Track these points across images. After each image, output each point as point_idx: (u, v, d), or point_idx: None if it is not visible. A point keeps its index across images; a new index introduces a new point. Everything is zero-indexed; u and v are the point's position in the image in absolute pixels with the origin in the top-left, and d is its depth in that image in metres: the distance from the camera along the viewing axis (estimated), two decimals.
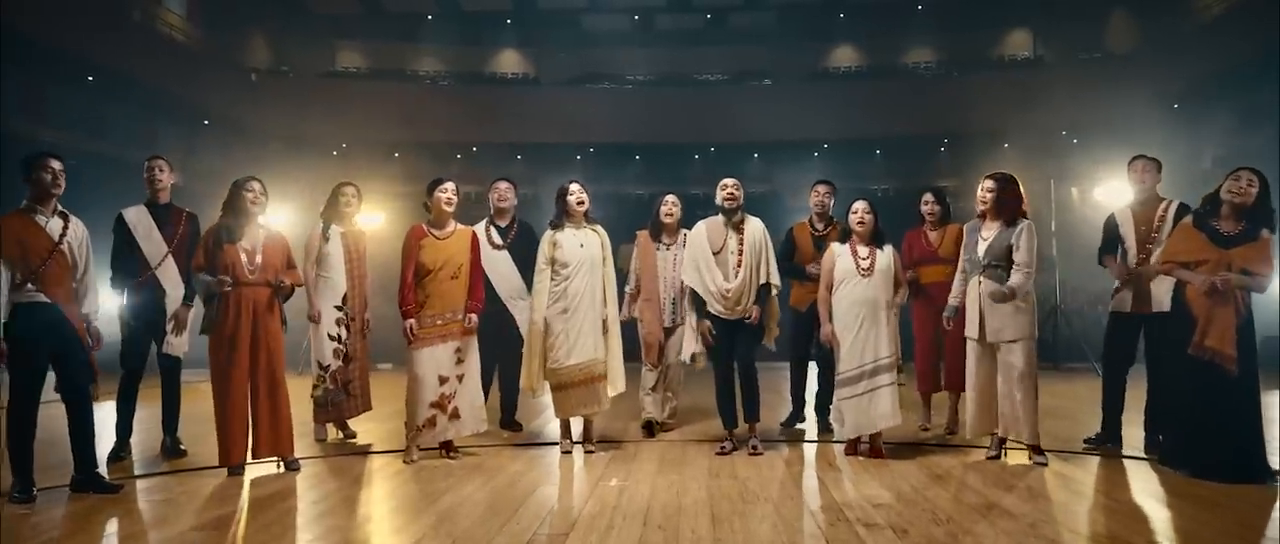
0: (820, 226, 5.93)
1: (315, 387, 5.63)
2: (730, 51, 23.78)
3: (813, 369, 6.07)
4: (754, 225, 5.17)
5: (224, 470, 4.61)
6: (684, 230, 5.82)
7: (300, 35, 22.95)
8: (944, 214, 5.84)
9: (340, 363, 5.63)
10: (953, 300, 5.01)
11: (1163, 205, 5.20)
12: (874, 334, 4.92)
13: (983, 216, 4.90)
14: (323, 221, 5.73)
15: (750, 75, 23.61)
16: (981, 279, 4.76)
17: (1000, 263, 4.72)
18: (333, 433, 5.81)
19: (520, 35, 24.18)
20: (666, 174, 21.07)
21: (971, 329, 4.80)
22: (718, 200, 5.17)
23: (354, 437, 5.80)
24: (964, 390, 5.67)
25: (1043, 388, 4.85)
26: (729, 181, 5.19)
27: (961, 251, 4.96)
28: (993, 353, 4.77)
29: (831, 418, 5.19)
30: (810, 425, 6.10)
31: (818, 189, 5.99)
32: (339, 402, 5.63)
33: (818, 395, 6.03)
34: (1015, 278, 4.64)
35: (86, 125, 18.03)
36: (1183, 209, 5.14)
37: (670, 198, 5.94)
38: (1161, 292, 5.09)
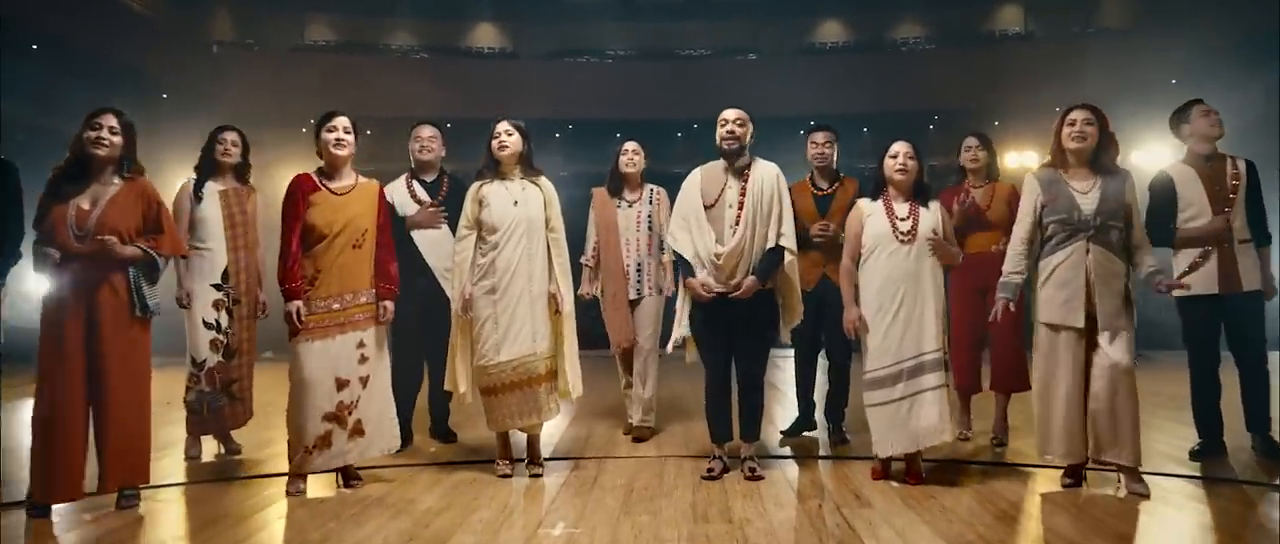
0: (824, 185, 4.54)
1: (188, 389, 4.23)
2: (714, 25, 22.39)
3: (821, 362, 4.71)
4: (764, 171, 3.76)
5: (25, 510, 3.23)
6: (650, 186, 4.61)
7: (266, 6, 21.32)
8: (987, 162, 4.48)
9: (220, 357, 4.21)
10: (1013, 276, 3.58)
11: (1231, 161, 4.03)
12: (917, 320, 3.54)
13: (1061, 165, 3.52)
14: (194, 177, 4.32)
15: (735, 50, 22.25)
16: (1091, 246, 3.38)
17: (1115, 222, 3.38)
18: (212, 447, 4.40)
19: (497, 8, 22.65)
20: (649, 151, 19.24)
21: (1071, 314, 3.39)
22: (717, 140, 3.79)
23: (237, 452, 4.38)
24: (1016, 391, 4.38)
25: None
26: (731, 114, 3.77)
27: (1036, 209, 3.53)
28: (1086, 347, 3.41)
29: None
30: (817, 433, 4.76)
31: (815, 138, 4.56)
32: (218, 407, 4.22)
33: (829, 396, 4.65)
34: (1149, 257, 3.42)
35: (35, 98, 16.52)
36: (1253, 167, 4.02)
37: (630, 144, 4.66)
38: (1249, 265, 3.95)
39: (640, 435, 4.59)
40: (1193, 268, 4.01)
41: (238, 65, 20.31)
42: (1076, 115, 3.44)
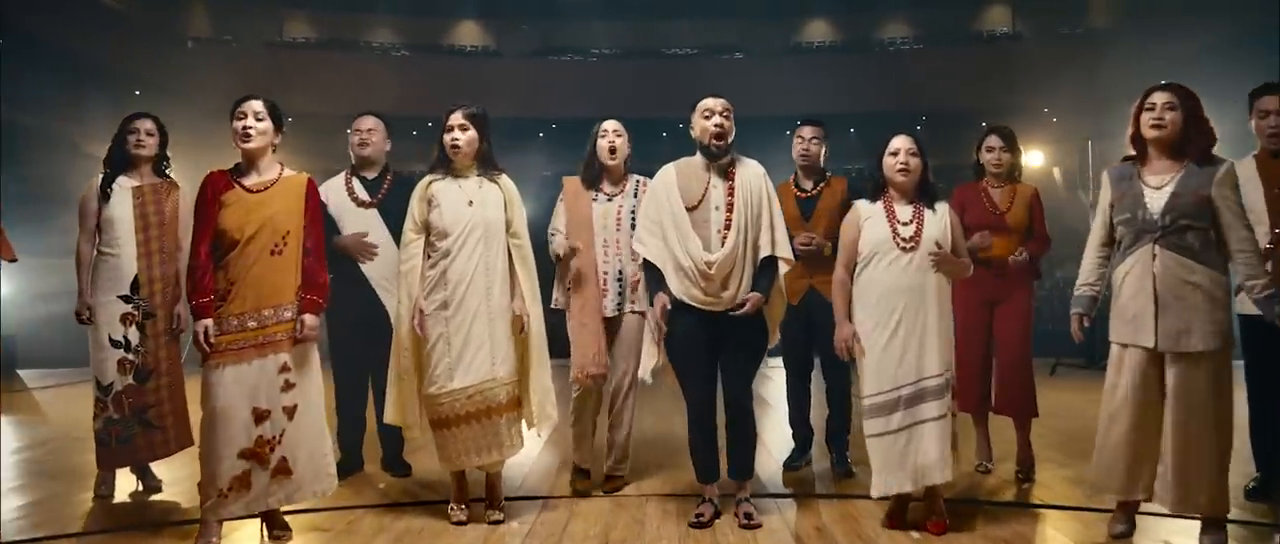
0: (808, 186, 3.98)
1: (94, 417, 3.61)
2: (700, 24, 21.87)
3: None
4: (750, 169, 3.22)
5: None
6: (636, 177, 3.75)
7: (244, 2, 20.62)
8: (1012, 164, 3.92)
9: (130, 380, 3.60)
10: (1086, 288, 3.03)
11: None
12: (917, 340, 2.99)
13: (1139, 157, 2.95)
14: (102, 172, 3.71)
15: (721, 49, 21.76)
16: (1158, 250, 2.80)
17: (1194, 222, 2.77)
18: (128, 482, 3.79)
19: (480, 5, 22.05)
20: (634, 151, 18.36)
21: (1138, 331, 2.82)
22: (696, 133, 3.21)
23: (157, 488, 3.77)
24: (1021, 417, 3.84)
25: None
26: (717, 104, 3.20)
27: (1106, 209, 2.98)
28: (1160, 370, 2.83)
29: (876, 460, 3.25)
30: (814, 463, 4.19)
31: (801, 133, 4.00)
32: (129, 437, 3.60)
33: (829, 422, 4.10)
34: (1250, 261, 2.75)
35: (4, 94, 15.81)
36: None
37: (611, 124, 3.71)
38: None
39: (614, 482, 3.70)
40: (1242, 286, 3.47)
41: (213, 62, 19.61)
42: (1156, 99, 2.84)
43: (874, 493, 3.05)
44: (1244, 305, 3.47)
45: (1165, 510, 2.86)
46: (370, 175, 3.95)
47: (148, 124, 3.71)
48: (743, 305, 3.07)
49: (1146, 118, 2.84)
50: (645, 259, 3.19)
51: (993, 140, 3.90)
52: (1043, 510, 3.36)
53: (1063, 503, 3.41)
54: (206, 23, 20.60)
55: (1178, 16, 17.14)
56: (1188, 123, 2.79)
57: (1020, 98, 18.11)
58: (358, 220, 3.84)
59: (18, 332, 9.11)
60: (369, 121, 3.97)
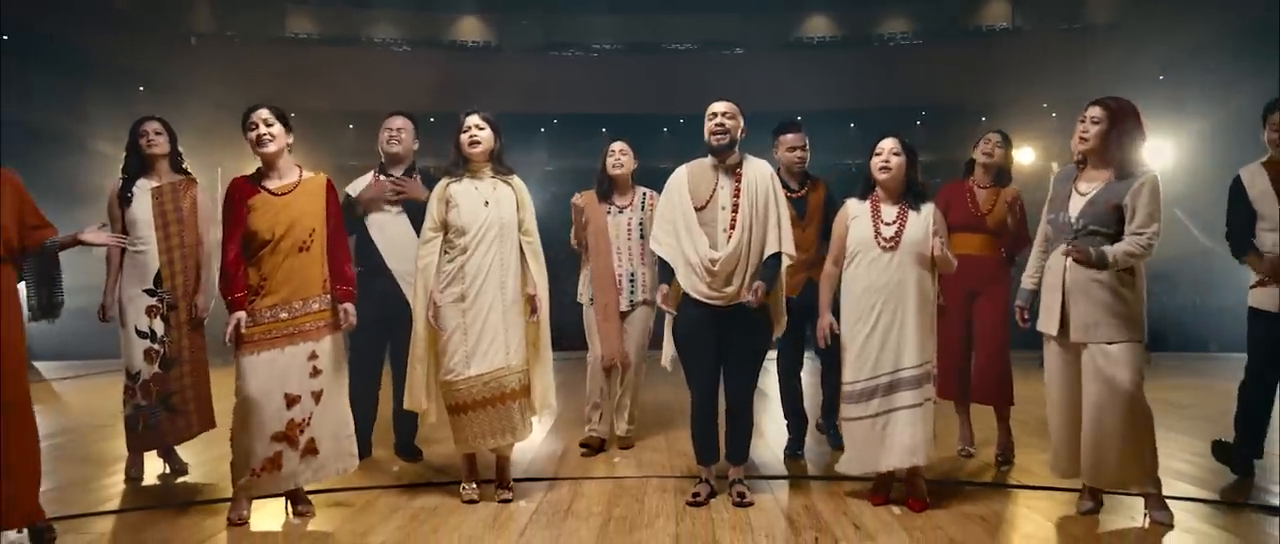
0: (795, 187, 4.19)
1: (124, 403, 3.85)
2: (700, 19, 22.05)
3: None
4: (757, 169, 3.42)
5: None
6: (642, 189, 4.36)
7: None
8: (1002, 164, 4.13)
9: (156, 369, 3.83)
10: (1028, 282, 3.37)
11: None
12: (896, 334, 3.26)
13: (1080, 162, 3.19)
14: (123, 175, 3.94)
15: (720, 44, 21.95)
16: (1070, 249, 3.08)
17: (1103, 229, 3.06)
18: (155, 465, 4.02)
19: (481, 0, 22.22)
20: (634, 146, 18.64)
21: (1047, 321, 3.18)
22: (705, 134, 3.43)
23: (183, 471, 4.00)
24: (998, 404, 4.06)
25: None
26: (719, 106, 3.41)
27: (1045, 211, 3.28)
28: (1077, 359, 3.12)
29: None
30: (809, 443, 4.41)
31: (788, 140, 4.20)
32: (155, 423, 3.83)
33: (826, 400, 4.34)
34: (1123, 244, 2.99)
35: (9, 90, 16.02)
36: None
37: (617, 144, 4.39)
38: None
39: (626, 442, 4.48)
40: (1257, 284, 3.67)
41: (217, 57, 19.81)
42: (1085, 114, 3.14)
43: (842, 469, 3.36)
44: (1256, 299, 3.67)
45: (1105, 489, 3.15)
46: (398, 172, 4.17)
47: (154, 124, 3.93)
48: (753, 294, 3.26)
49: (1078, 129, 3.11)
50: (662, 256, 3.40)
51: (993, 135, 4.14)
52: (1018, 490, 3.59)
53: (1037, 484, 3.62)
54: (210, 19, 20.75)
55: (1178, 10, 17.30)
56: (1110, 137, 3.04)
57: (1019, 93, 18.29)
58: (388, 217, 4.06)
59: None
60: (399, 120, 4.20)
